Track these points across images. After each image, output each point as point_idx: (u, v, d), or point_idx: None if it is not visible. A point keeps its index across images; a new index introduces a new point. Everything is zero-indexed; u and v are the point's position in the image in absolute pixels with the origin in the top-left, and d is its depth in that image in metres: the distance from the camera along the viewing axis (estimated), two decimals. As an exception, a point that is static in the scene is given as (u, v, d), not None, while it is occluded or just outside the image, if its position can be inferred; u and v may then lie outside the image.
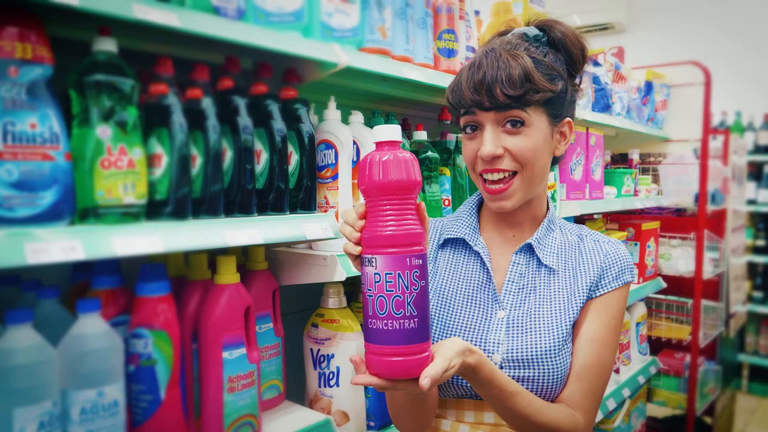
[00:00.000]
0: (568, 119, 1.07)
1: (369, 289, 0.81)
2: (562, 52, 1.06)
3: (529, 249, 1.08)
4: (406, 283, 0.79)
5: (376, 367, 0.81)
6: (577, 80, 1.10)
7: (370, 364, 0.82)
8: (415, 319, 0.80)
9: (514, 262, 1.08)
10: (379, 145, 0.83)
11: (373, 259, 0.80)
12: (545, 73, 0.99)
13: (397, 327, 0.79)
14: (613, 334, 1.06)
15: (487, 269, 1.08)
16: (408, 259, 0.79)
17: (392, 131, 0.83)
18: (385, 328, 0.80)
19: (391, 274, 0.79)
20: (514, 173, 1.01)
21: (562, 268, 1.08)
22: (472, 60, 1.01)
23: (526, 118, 0.98)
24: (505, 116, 0.98)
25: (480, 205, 1.17)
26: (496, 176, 1.01)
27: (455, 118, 1.09)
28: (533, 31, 1.06)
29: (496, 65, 0.96)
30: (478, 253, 1.09)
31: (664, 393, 3.03)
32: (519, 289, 1.07)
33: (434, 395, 1.03)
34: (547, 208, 1.14)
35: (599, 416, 2.17)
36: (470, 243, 1.10)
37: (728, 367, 3.66)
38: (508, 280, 1.07)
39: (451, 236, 1.12)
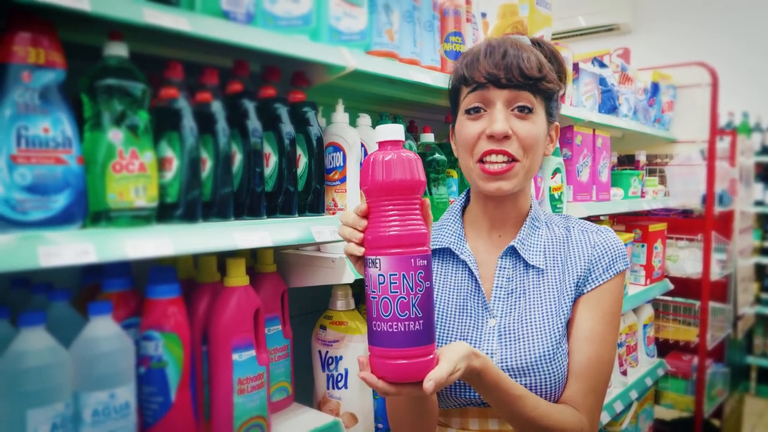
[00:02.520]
0: (556, 123, 1.10)
1: (373, 291, 0.80)
2: (554, 64, 1.09)
3: (514, 252, 1.07)
4: (411, 284, 0.78)
5: (381, 370, 0.80)
6: (561, 92, 1.12)
7: (374, 367, 0.81)
8: (420, 321, 0.78)
9: (500, 267, 1.06)
10: (382, 144, 0.82)
11: (377, 260, 0.79)
12: (552, 69, 1.04)
13: (402, 329, 0.78)
14: (610, 328, 1.03)
15: (475, 277, 1.06)
16: (413, 260, 0.78)
17: (395, 130, 0.82)
18: (390, 330, 0.78)
19: (396, 275, 0.78)
20: (514, 161, 1.00)
21: (551, 266, 1.06)
22: (486, 42, 1.02)
23: (534, 105, 1.00)
24: (517, 98, 0.99)
25: (463, 210, 1.16)
26: (499, 159, 0.99)
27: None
28: (527, 40, 1.08)
29: (515, 47, 0.99)
30: (465, 262, 1.08)
31: (672, 395, 3.02)
32: (508, 294, 1.05)
33: (435, 405, 1.02)
34: (530, 206, 1.12)
35: (606, 418, 2.17)
36: (456, 252, 1.09)
37: (736, 370, 3.64)
38: (496, 286, 1.05)
39: (437, 247, 1.11)
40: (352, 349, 1.31)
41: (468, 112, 1.03)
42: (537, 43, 1.10)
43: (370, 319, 0.81)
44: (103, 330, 0.89)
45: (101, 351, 0.88)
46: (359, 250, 0.82)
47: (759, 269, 4.53)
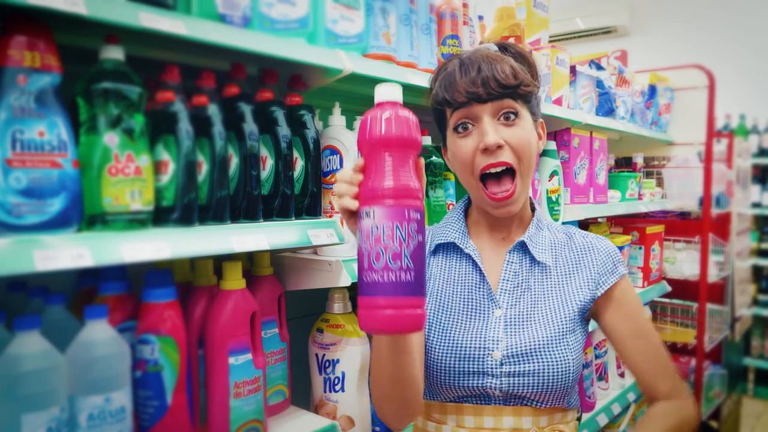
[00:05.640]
0: (541, 120, 1.13)
1: (365, 242, 0.79)
2: (525, 65, 1.10)
3: (522, 247, 1.11)
4: (403, 234, 0.78)
5: (371, 320, 0.79)
6: (538, 91, 1.13)
7: (363, 319, 0.80)
8: (412, 272, 0.78)
9: (508, 261, 1.10)
10: (380, 104, 0.83)
11: (371, 211, 0.79)
12: (525, 71, 1.06)
13: (393, 278, 0.77)
14: (644, 319, 1.11)
15: (480, 270, 1.10)
16: (406, 212, 0.79)
17: (393, 91, 0.83)
18: (381, 280, 0.77)
19: (389, 225, 0.78)
20: (512, 170, 1.02)
21: (554, 264, 1.11)
22: (459, 61, 1.04)
23: (518, 109, 1.03)
24: (501, 107, 1.02)
25: (467, 210, 1.19)
26: (498, 170, 1.02)
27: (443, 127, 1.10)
28: (495, 48, 1.10)
29: (487, 61, 1.02)
30: (470, 256, 1.11)
31: (670, 397, 3.01)
32: (514, 287, 1.09)
33: (418, 377, 0.98)
34: (533, 209, 1.17)
35: (604, 420, 2.17)
36: (461, 246, 1.12)
37: (734, 371, 3.64)
38: (503, 279, 1.09)
39: (442, 242, 1.14)
40: (349, 352, 1.31)
41: (456, 129, 1.05)
42: (504, 48, 1.11)
43: (360, 271, 0.80)
44: (99, 334, 0.89)
45: (97, 355, 0.88)
46: (354, 204, 0.82)
47: (756, 271, 4.54)
